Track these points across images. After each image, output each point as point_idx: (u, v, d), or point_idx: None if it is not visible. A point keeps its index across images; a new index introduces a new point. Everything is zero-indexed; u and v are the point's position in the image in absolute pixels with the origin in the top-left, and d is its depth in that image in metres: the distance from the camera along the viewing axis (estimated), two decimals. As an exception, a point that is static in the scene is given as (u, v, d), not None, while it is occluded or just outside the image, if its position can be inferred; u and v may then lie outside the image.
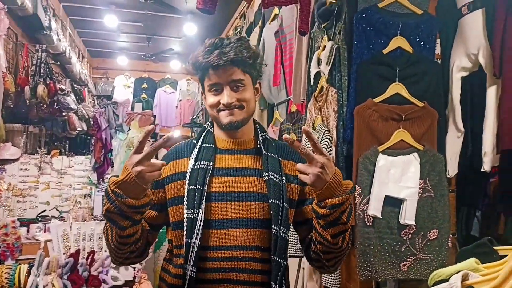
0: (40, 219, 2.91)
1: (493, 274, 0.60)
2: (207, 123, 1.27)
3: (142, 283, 2.19)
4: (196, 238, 1.06)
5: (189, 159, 1.16)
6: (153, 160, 1.01)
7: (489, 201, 1.81)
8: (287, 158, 1.20)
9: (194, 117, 6.61)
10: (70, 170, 3.29)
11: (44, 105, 3.36)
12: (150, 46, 6.80)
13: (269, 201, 1.10)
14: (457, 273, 0.67)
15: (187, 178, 1.12)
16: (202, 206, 1.08)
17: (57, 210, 3.10)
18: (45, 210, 3.10)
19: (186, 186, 1.11)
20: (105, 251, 2.23)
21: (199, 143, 1.19)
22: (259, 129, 1.23)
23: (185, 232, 1.08)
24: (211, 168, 1.13)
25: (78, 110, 4.18)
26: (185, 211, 1.09)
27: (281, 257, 1.08)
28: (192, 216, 1.08)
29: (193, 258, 1.06)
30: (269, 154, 1.17)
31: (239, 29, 4.56)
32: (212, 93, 1.15)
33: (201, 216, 1.07)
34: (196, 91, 7.51)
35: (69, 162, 3.31)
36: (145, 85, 7.46)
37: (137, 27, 6.16)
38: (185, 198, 1.10)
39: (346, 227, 1.06)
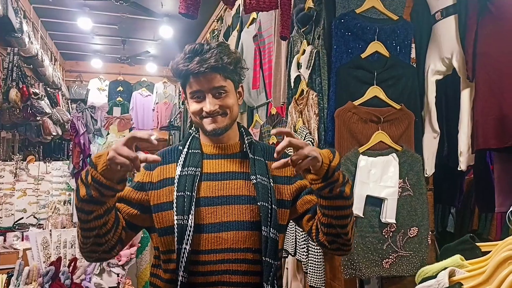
0: (17, 227, 2.81)
1: (478, 270, 0.64)
2: (192, 128, 1.27)
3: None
4: (186, 244, 1.06)
5: (176, 165, 1.16)
6: (141, 156, 0.95)
7: (464, 198, 1.88)
8: (273, 159, 1.19)
9: (172, 120, 6.55)
10: (48, 176, 3.19)
11: (17, 109, 3.25)
12: (125, 49, 6.69)
13: (258, 203, 1.11)
14: (443, 269, 0.70)
15: (176, 184, 1.12)
16: (192, 212, 1.08)
17: (34, 217, 3.00)
18: (22, 218, 2.99)
19: (175, 193, 1.11)
20: None
21: (186, 149, 1.19)
22: (244, 133, 1.24)
23: (176, 238, 1.08)
24: (199, 174, 1.13)
25: (53, 115, 4.06)
26: (175, 217, 1.09)
27: (272, 257, 1.09)
28: (182, 222, 1.08)
29: (184, 264, 1.06)
30: (255, 157, 1.18)
31: (216, 33, 4.56)
32: (194, 100, 1.15)
33: (191, 222, 1.07)
34: (173, 93, 7.44)
35: (46, 168, 3.21)
36: (120, 88, 7.34)
37: (111, 29, 6.05)
38: (175, 205, 1.10)
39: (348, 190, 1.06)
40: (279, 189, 1.18)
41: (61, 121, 4.35)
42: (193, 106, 1.15)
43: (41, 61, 4.63)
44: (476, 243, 0.80)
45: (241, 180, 1.15)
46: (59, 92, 5.60)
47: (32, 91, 3.42)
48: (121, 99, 7.11)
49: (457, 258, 0.74)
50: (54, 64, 6.18)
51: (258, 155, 1.19)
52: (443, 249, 0.89)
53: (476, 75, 1.59)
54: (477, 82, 1.58)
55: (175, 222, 1.08)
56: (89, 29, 5.77)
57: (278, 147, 0.98)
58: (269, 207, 1.11)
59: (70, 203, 2.94)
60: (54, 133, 4.14)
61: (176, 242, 1.07)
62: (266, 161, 1.19)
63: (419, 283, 0.76)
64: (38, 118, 3.59)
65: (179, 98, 6.83)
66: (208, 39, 4.97)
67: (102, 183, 0.95)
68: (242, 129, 1.26)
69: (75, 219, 3.01)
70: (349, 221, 1.11)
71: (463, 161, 1.55)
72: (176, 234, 1.07)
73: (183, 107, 5.96)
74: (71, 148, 3.64)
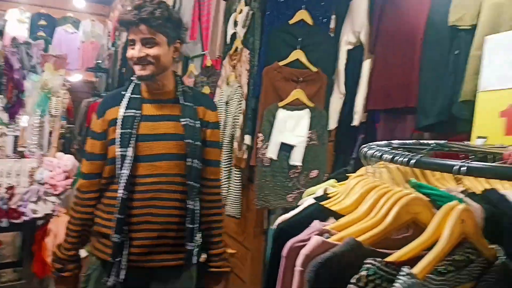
0: None
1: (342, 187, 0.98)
2: (134, 76, 1.45)
3: (60, 216, 2.35)
4: (126, 169, 1.35)
5: (119, 107, 1.40)
6: None
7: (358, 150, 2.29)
8: (200, 104, 1.48)
9: (100, 61, 6.34)
10: (-23, 108, 3.11)
11: None
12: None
13: (185, 140, 1.40)
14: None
15: (120, 123, 1.37)
16: (131, 145, 1.35)
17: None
18: (-50, 147, 2.93)
19: (119, 130, 1.37)
20: (24, 187, 2.31)
21: (128, 94, 1.43)
22: (179, 81, 1.49)
23: (119, 166, 1.36)
24: (139, 115, 1.39)
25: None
26: (118, 149, 1.36)
27: (195, 181, 1.42)
28: (124, 153, 1.36)
29: (124, 184, 1.34)
30: (186, 103, 1.45)
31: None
32: (130, 47, 1.38)
33: (131, 153, 1.35)
34: (101, 33, 7.08)
35: (-26, 99, 3.12)
36: (43, 22, 6.80)
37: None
38: (118, 140, 1.36)
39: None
40: (206, 132, 1.47)
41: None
42: (128, 52, 1.39)
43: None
44: (348, 174, 1.15)
45: (173, 121, 1.42)
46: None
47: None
48: (43, 34, 6.62)
49: (331, 181, 1.09)
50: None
51: (189, 101, 1.45)
52: (327, 178, 1.24)
53: (376, 49, 1.95)
54: (376, 55, 1.95)
55: (118, 153, 1.36)
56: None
57: None
58: (194, 143, 1.41)
59: (6, 135, 2.92)
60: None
61: (119, 169, 1.36)
62: (195, 107, 1.46)
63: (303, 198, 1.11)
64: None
65: (108, 38, 6.57)
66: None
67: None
68: (178, 77, 1.50)
69: (8, 151, 3.03)
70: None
71: (357, 118, 1.94)
72: (119, 162, 1.36)
73: (113, 49, 5.80)
74: (4, 83, 3.49)
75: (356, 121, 1.93)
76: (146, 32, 1.33)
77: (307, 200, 0.96)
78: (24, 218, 2.24)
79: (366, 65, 1.99)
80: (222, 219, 1.56)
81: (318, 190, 1.12)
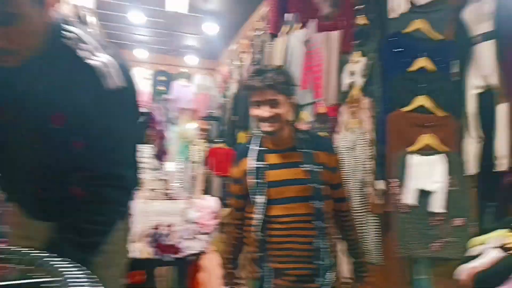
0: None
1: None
2: (258, 130, 1.68)
3: (210, 253, 2.63)
4: (261, 214, 1.58)
5: (247, 159, 1.65)
6: None
7: (503, 196, 2.12)
8: (320, 149, 1.64)
9: (212, 111, 6.93)
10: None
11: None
12: (169, 41, 7.09)
13: (309, 184, 1.57)
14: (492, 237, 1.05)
15: (251, 174, 1.62)
16: (263, 192, 1.58)
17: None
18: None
19: (251, 180, 1.62)
20: (179, 225, 2.68)
21: (253, 147, 1.67)
22: (296, 131, 1.69)
23: (255, 211, 1.60)
24: (265, 166, 1.61)
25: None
26: (252, 196, 1.61)
27: (320, 220, 1.58)
28: (259, 200, 1.59)
29: (260, 227, 1.58)
30: (305, 150, 1.62)
31: (262, 32, 4.85)
32: (255, 107, 1.60)
33: (263, 200, 1.58)
34: (210, 85, 7.80)
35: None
36: (162, 78, 7.78)
37: (158, 22, 6.46)
38: (253, 188, 1.61)
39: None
40: (323, 173, 1.61)
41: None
42: (253, 112, 1.61)
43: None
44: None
45: (296, 168, 1.60)
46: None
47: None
48: (163, 88, 7.56)
49: (503, 231, 1.09)
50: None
51: (307, 148, 1.63)
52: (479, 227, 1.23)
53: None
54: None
55: (253, 200, 1.61)
56: (137, 21, 6.19)
57: None
58: (317, 187, 1.58)
59: (157, 179, 3.38)
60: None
61: (255, 214, 1.60)
62: (313, 151, 1.62)
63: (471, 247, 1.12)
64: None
65: (217, 90, 7.18)
66: (253, 38, 5.28)
67: None
68: (292, 126, 1.69)
69: (160, 194, 3.46)
70: None
71: (500, 165, 1.83)
72: (255, 208, 1.60)
73: (223, 100, 6.33)
74: (152, 135, 4.13)
75: (503, 166, 1.85)
76: (271, 95, 1.55)
77: (486, 251, 0.99)
78: (182, 254, 2.55)
79: (502, 109, 1.93)
80: (359, 238, 1.80)
81: (488, 240, 1.13)
